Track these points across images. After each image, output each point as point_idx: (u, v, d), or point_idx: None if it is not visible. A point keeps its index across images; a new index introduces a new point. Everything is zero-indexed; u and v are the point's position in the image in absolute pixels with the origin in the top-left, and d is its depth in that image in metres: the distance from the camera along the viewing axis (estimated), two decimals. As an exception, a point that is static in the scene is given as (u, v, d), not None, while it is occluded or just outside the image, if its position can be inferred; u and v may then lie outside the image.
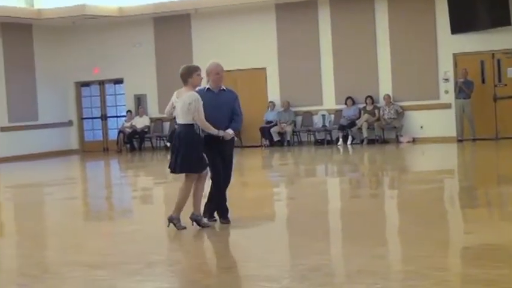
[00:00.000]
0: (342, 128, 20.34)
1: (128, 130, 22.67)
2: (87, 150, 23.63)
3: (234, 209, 8.99)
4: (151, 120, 22.75)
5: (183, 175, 8.44)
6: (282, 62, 21.23)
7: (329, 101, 20.89)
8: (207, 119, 8.26)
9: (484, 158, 16.35)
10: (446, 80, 19.67)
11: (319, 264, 6.50)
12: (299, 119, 21.27)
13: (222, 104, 8.58)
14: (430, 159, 17.00)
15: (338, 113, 20.72)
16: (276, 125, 21.06)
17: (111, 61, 23.03)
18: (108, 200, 12.73)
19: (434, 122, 19.78)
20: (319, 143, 20.91)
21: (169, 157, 8.65)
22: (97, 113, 24.03)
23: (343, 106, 20.60)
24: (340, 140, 20.36)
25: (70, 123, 23.77)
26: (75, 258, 7.34)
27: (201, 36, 21.93)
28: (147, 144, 22.78)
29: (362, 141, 20.13)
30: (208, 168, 8.48)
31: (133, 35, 22.74)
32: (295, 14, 20.94)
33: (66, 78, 23.46)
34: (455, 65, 19.64)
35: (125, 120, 23.05)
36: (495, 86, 19.44)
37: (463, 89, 18.97)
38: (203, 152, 8.36)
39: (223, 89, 8.70)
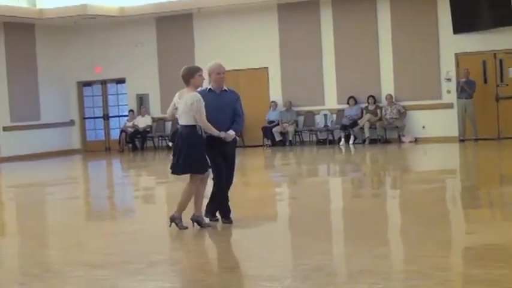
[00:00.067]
0: (344, 127, 20.33)
1: (130, 130, 22.69)
2: (89, 150, 23.64)
3: (236, 209, 8.99)
4: (154, 119, 22.76)
5: (186, 175, 8.45)
6: (284, 61, 21.23)
7: (331, 100, 20.88)
8: (209, 119, 8.25)
9: (486, 158, 16.34)
10: (449, 79, 19.67)
11: (321, 264, 6.50)
12: (301, 118, 21.27)
13: (224, 104, 8.58)
14: (432, 159, 17.00)
15: (340, 112, 20.72)
16: (278, 124, 21.06)
17: (113, 61, 23.04)
18: (110, 199, 12.74)
19: (437, 121, 19.78)
20: (321, 142, 20.91)
21: (171, 156, 8.66)
22: (99, 112, 24.04)
23: (345, 106, 20.60)
24: (342, 139, 20.35)
25: (72, 122, 23.79)
26: (77, 258, 7.35)
27: (203, 36, 21.93)
28: (149, 143, 22.80)
29: (364, 141, 20.13)
30: (209, 170, 8.49)
31: (135, 35, 22.75)
32: (297, 14, 20.94)
33: (68, 78, 23.48)
34: (458, 64, 19.63)
35: (127, 120, 23.06)
36: (497, 86, 19.43)
37: (465, 89, 18.96)
38: (205, 153, 8.37)
39: (225, 90, 8.70)
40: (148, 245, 7.84)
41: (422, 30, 19.76)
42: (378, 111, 20.16)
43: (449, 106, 19.62)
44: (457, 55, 19.62)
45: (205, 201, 8.66)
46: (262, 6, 21.15)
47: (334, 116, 20.85)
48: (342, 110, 20.65)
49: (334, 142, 20.67)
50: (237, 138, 8.96)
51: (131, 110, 23.07)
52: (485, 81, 19.50)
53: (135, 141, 22.72)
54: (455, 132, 19.39)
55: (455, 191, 11.45)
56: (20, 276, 6.86)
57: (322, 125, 20.92)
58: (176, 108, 8.38)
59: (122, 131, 22.97)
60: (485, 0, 18.82)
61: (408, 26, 19.90)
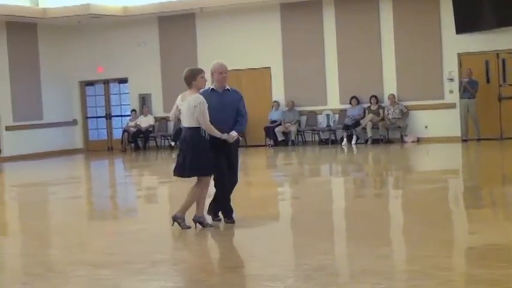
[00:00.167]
0: (346, 127, 20.33)
1: (133, 129, 22.69)
2: (92, 150, 23.65)
3: (239, 208, 9.00)
4: (156, 119, 22.76)
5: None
6: (286, 61, 21.23)
7: (333, 100, 20.88)
8: (212, 119, 8.24)
9: (489, 158, 16.33)
10: (451, 79, 19.65)
11: (324, 264, 6.50)
12: (303, 118, 21.26)
13: (226, 104, 8.57)
14: (434, 159, 16.99)
15: (342, 112, 20.71)
16: (280, 124, 21.06)
17: (116, 60, 23.05)
18: (113, 199, 12.74)
19: (439, 121, 19.76)
20: (323, 142, 20.91)
21: (174, 156, 8.65)
22: (101, 112, 24.05)
23: (347, 106, 20.59)
24: (345, 139, 20.34)
25: (74, 122, 23.80)
26: (80, 257, 7.35)
27: (206, 35, 21.93)
28: (152, 143, 22.80)
29: (366, 141, 20.12)
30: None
31: (138, 34, 22.75)
32: (299, 14, 20.93)
33: (70, 78, 23.49)
34: (460, 64, 19.61)
35: (130, 120, 23.06)
36: (500, 86, 19.41)
37: (468, 89, 18.95)
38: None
39: (228, 89, 8.70)
40: (150, 244, 7.84)
41: (424, 30, 19.74)
42: (380, 111, 20.15)
43: (451, 106, 19.61)
44: (459, 55, 19.60)
45: (207, 201, 8.66)
46: (264, 6, 21.15)
47: (337, 115, 20.85)
48: (345, 110, 20.65)
49: (336, 142, 20.66)
50: (240, 138, 8.96)
51: (133, 110, 23.07)
52: (488, 81, 19.48)
53: (138, 141, 22.72)
54: (457, 132, 19.38)
55: (457, 191, 11.44)
56: (23, 275, 6.87)
57: (325, 125, 20.91)
58: (179, 111, 8.38)
59: (124, 131, 22.98)
60: (488, 0, 18.80)
61: (411, 26, 19.89)
